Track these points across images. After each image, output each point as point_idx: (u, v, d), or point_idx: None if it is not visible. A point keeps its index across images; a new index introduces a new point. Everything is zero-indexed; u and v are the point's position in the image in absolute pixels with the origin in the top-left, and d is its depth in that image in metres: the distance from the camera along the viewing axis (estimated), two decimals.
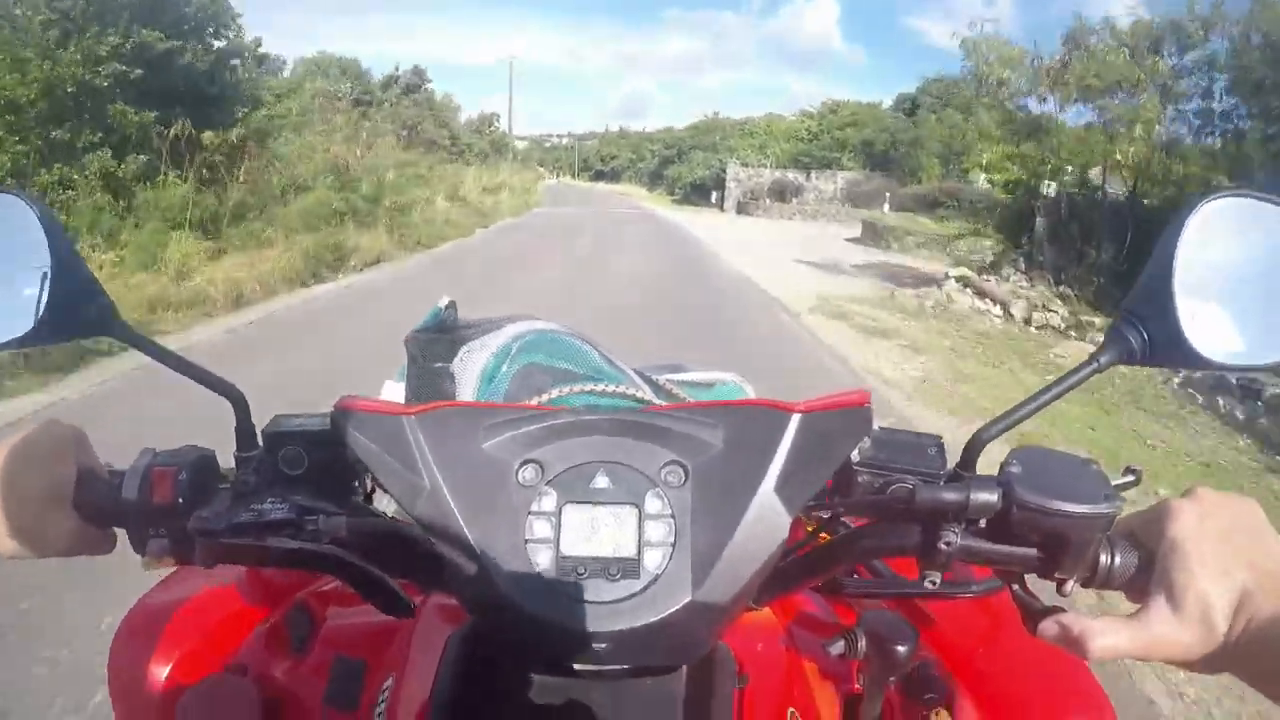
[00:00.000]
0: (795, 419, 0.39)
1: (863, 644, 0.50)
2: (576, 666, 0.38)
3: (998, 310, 7.06)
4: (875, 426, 0.42)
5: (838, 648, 0.51)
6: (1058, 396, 0.41)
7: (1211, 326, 0.41)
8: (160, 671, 0.55)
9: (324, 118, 11.56)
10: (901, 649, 0.49)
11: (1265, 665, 0.34)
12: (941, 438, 0.43)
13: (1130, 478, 0.41)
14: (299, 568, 0.46)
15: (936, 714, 0.52)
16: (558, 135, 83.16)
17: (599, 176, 67.18)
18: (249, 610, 0.59)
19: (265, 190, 7.78)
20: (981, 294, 7.44)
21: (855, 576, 0.57)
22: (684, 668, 0.41)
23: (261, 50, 9.34)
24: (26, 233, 0.44)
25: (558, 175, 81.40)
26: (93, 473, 0.42)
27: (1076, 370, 0.41)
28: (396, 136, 17.52)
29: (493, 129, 37.73)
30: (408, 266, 8.11)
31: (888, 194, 19.78)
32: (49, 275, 0.43)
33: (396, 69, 26.67)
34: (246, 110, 7.84)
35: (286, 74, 16.80)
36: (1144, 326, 0.41)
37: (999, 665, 0.54)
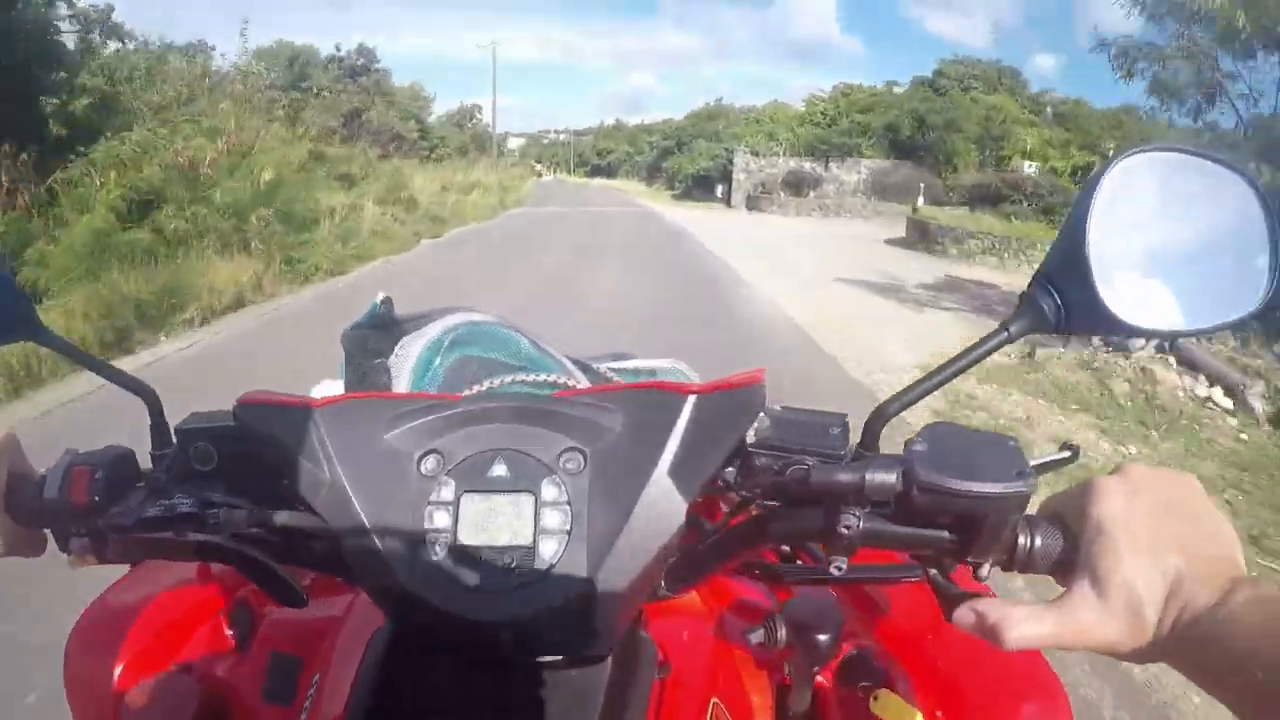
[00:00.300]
0: (690, 400, 0.41)
1: (783, 632, 0.52)
2: (486, 658, 0.40)
3: (1220, 396, 4.12)
4: (776, 406, 0.44)
5: (757, 636, 0.53)
6: (965, 369, 0.42)
7: (1130, 291, 0.41)
8: (113, 672, 0.58)
9: (213, 108, 8.73)
10: (823, 637, 0.51)
11: (1200, 656, 0.33)
12: (845, 416, 0.44)
13: (1066, 453, 0.42)
14: (200, 559, 0.49)
15: (875, 698, 0.53)
16: (556, 131, 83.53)
17: (595, 172, 66.88)
18: (198, 610, 0.62)
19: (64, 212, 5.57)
20: (1182, 363, 4.43)
21: (779, 564, 0.59)
22: (608, 658, 0.43)
23: (115, 21, 7.59)
24: None
25: (554, 172, 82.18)
26: (23, 476, 0.45)
27: (985, 340, 0.41)
28: (327, 129, 14.88)
29: (474, 122, 36.99)
30: (280, 309, 5.76)
31: (922, 185, 18.99)
32: None
33: (338, 49, 23.14)
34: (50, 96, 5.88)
35: (221, 63, 12.74)
36: (1058, 293, 0.41)
37: (948, 651, 0.55)
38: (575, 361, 0.64)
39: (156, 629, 0.61)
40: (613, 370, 0.65)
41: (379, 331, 0.63)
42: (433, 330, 0.61)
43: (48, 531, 0.46)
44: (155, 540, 0.45)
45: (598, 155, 71.45)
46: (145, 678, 0.58)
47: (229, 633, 0.61)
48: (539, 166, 71.15)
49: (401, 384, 0.59)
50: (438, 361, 0.59)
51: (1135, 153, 0.42)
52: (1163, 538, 0.35)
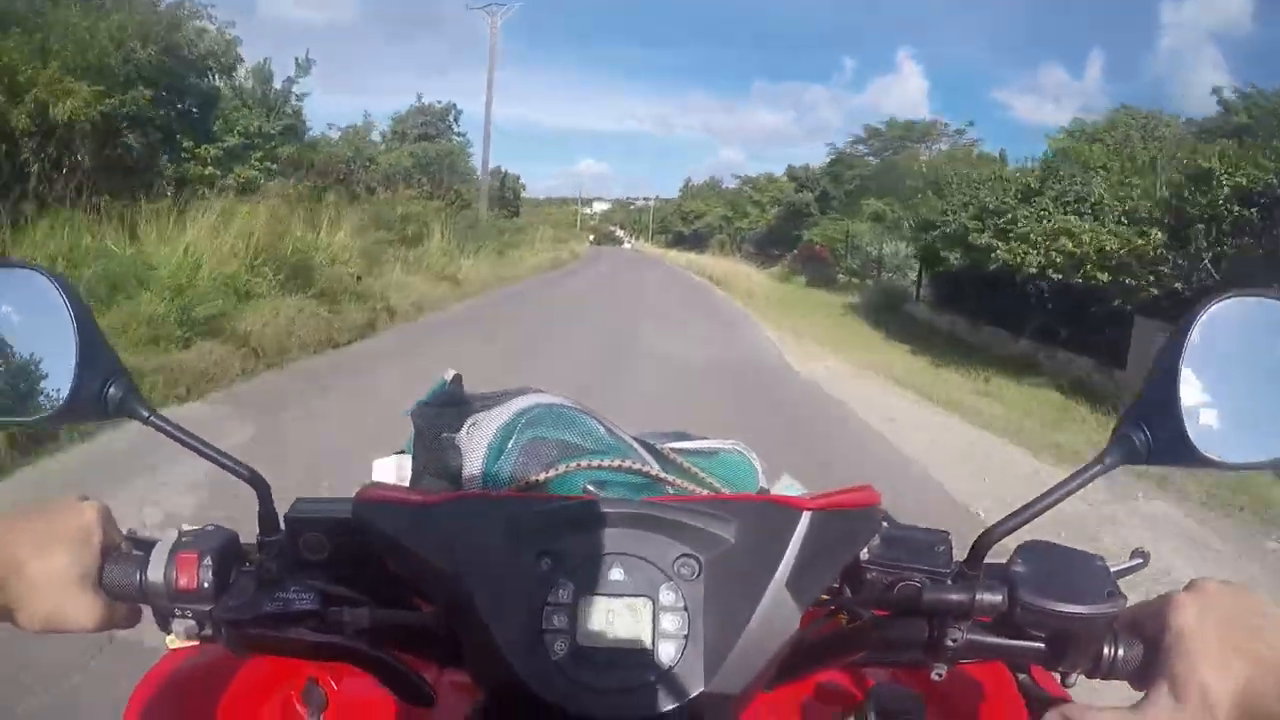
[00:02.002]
0: (805, 517, 0.47)
1: (872, 718, 0.56)
2: None
3: None
4: (884, 524, 0.50)
5: None
6: (1065, 496, 0.49)
7: (1215, 427, 0.48)
8: None
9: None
10: None
11: None
12: (949, 534, 0.51)
13: (1138, 560, 0.49)
14: (322, 659, 0.54)
15: None
16: (643, 198, 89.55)
17: (678, 241, 61.83)
18: (261, 683, 0.67)
19: None
20: None
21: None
22: None
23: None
24: (54, 313, 0.52)
25: (634, 239, 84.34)
26: (119, 551, 0.50)
27: (1085, 469, 0.48)
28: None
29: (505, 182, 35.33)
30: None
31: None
32: (77, 357, 0.51)
33: (419, 98, 24.93)
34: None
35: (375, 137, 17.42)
36: (1149, 429, 0.48)
37: None
38: (641, 442, 0.70)
39: (220, 700, 0.66)
40: (675, 450, 0.71)
41: (449, 409, 0.70)
42: (506, 411, 0.67)
43: (143, 606, 0.50)
44: (273, 638, 0.49)
45: (683, 219, 66.13)
46: None
47: (300, 709, 0.65)
48: (591, 237, 72.44)
49: (474, 463, 0.64)
50: (511, 442, 0.65)
51: (1222, 299, 0.49)
52: (1233, 648, 0.42)
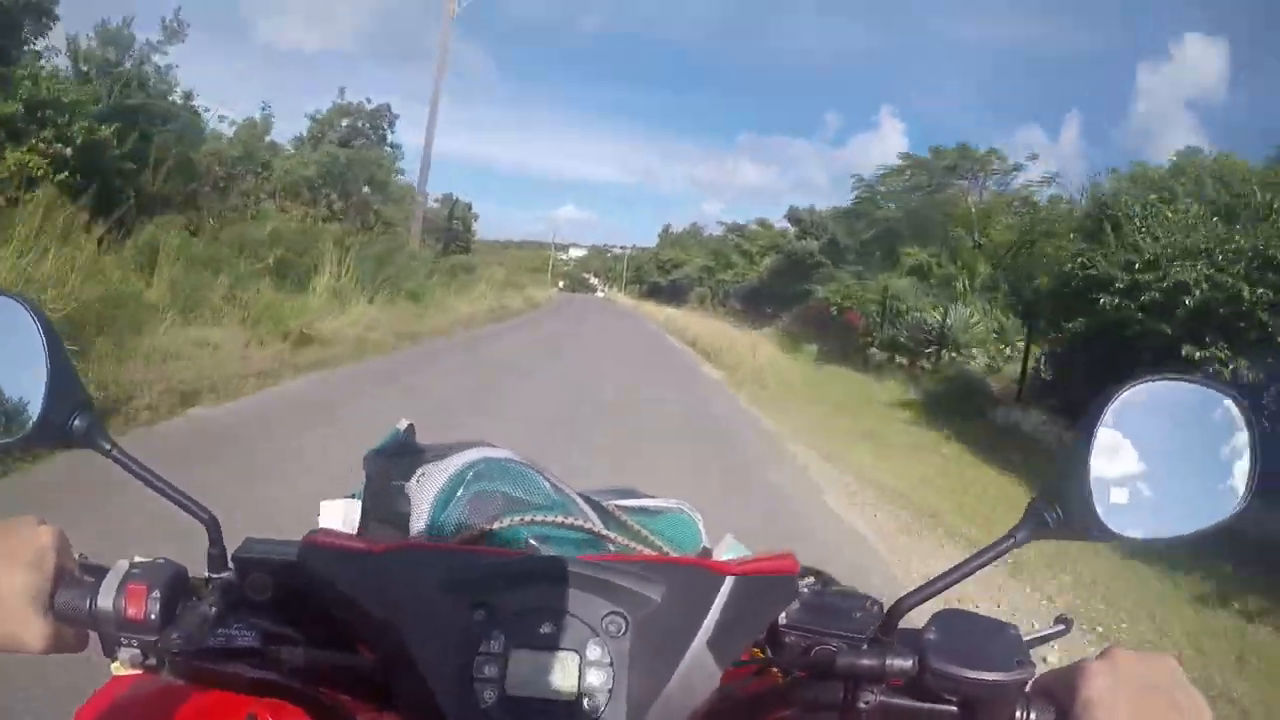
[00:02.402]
0: (728, 581, 0.53)
1: None
2: None
3: None
4: (805, 590, 0.57)
5: None
6: (976, 569, 0.55)
7: (1125, 503, 0.55)
8: None
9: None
10: None
11: None
12: (867, 599, 0.57)
13: (1060, 627, 0.55)
14: (259, 694, 0.59)
15: None
16: (620, 246, 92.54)
17: (655, 293, 59.06)
18: (201, 717, 0.70)
19: None
20: None
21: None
22: None
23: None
24: (27, 339, 0.57)
25: (607, 287, 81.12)
26: (70, 575, 0.54)
27: (996, 544, 0.55)
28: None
29: (458, 217, 31.65)
30: None
31: None
32: (46, 385, 0.56)
33: (342, 94, 20.53)
34: None
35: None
36: (1059, 504, 0.55)
37: None
38: (587, 499, 0.76)
39: None
40: (619, 508, 0.77)
41: (400, 458, 0.75)
42: (455, 463, 0.72)
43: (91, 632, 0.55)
44: (213, 672, 0.55)
45: (660, 270, 62.73)
46: None
47: None
48: (562, 283, 72.91)
49: (421, 512, 0.70)
50: (459, 493, 0.70)
51: (1139, 383, 0.56)
52: (1145, 716, 0.46)
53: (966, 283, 15.55)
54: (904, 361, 15.10)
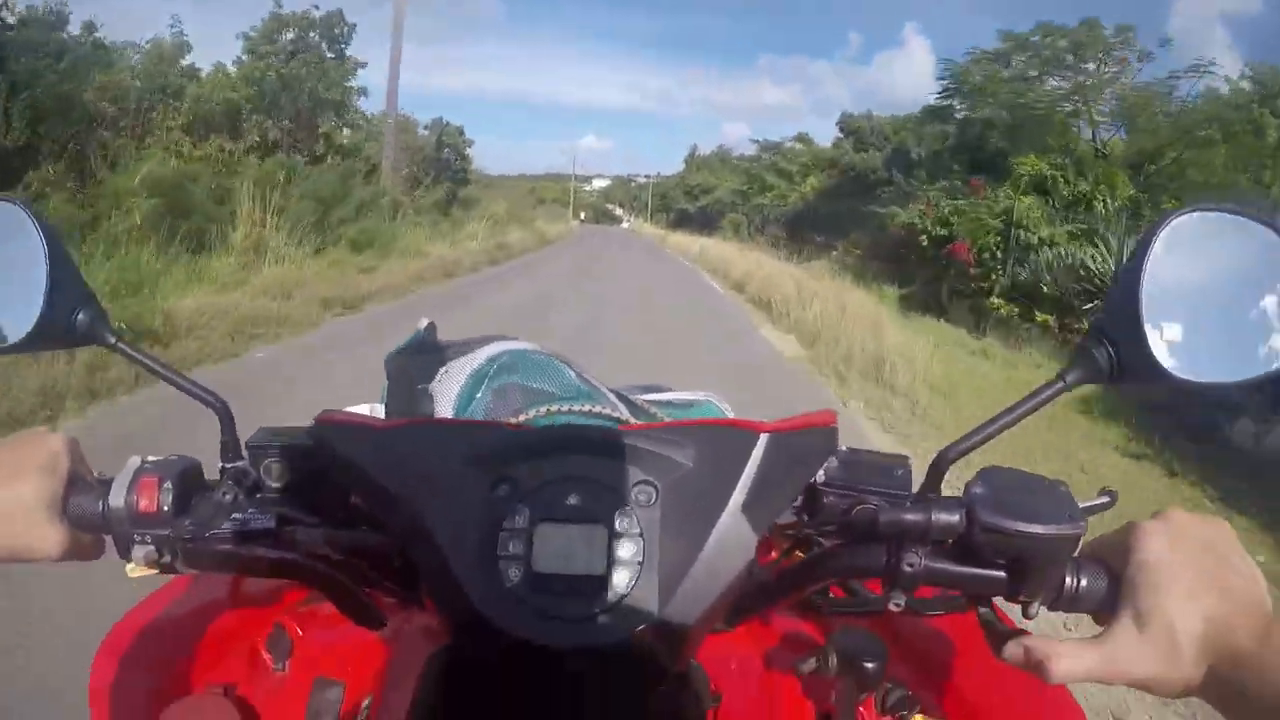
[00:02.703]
0: (763, 439, 0.53)
1: (834, 661, 0.63)
2: (549, 683, 0.52)
3: None
4: (843, 447, 0.58)
5: (809, 665, 0.64)
6: (1023, 416, 0.54)
7: (1180, 344, 0.53)
8: (141, 687, 0.71)
9: None
10: (871, 665, 0.62)
11: (1238, 694, 0.43)
12: (908, 458, 0.58)
13: (1105, 499, 0.53)
14: (276, 576, 0.61)
15: None
16: (645, 176, 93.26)
17: (682, 221, 56.08)
18: (229, 630, 0.76)
19: None
20: None
21: (832, 597, 0.71)
22: (659, 686, 0.55)
23: None
24: (26, 240, 0.59)
25: (632, 218, 78.57)
26: (83, 481, 0.57)
27: (1043, 389, 0.54)
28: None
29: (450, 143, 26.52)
30: None
31: None
32: (47, 285, 0.59)
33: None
34: None
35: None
36: (1112, 345, 0.53)
37: (974, 684, 0.67)
38: (615, 392, 0.77)
39: (191, 648, 0.74)
40: (649, 402, 0.78)
41: (422, 357, 0.76)
42: (478, 358, 0.73)
43: (106, 537, 0.57)
44: (229, 554, 0.56)
45: (687, 196, 59.81)
46: (178, 695, 0.70)
47: (266, 656, 0.73)
48: (583, 215, 73.05)
49: (445, 410, 0.71)
50: (483, 388, 0.71)
51: (1186, 212, 0.54)
52: (1201, 580, 0.45)
53: (1107, 203, 11.30)
54: (1047, 320, 10.83)
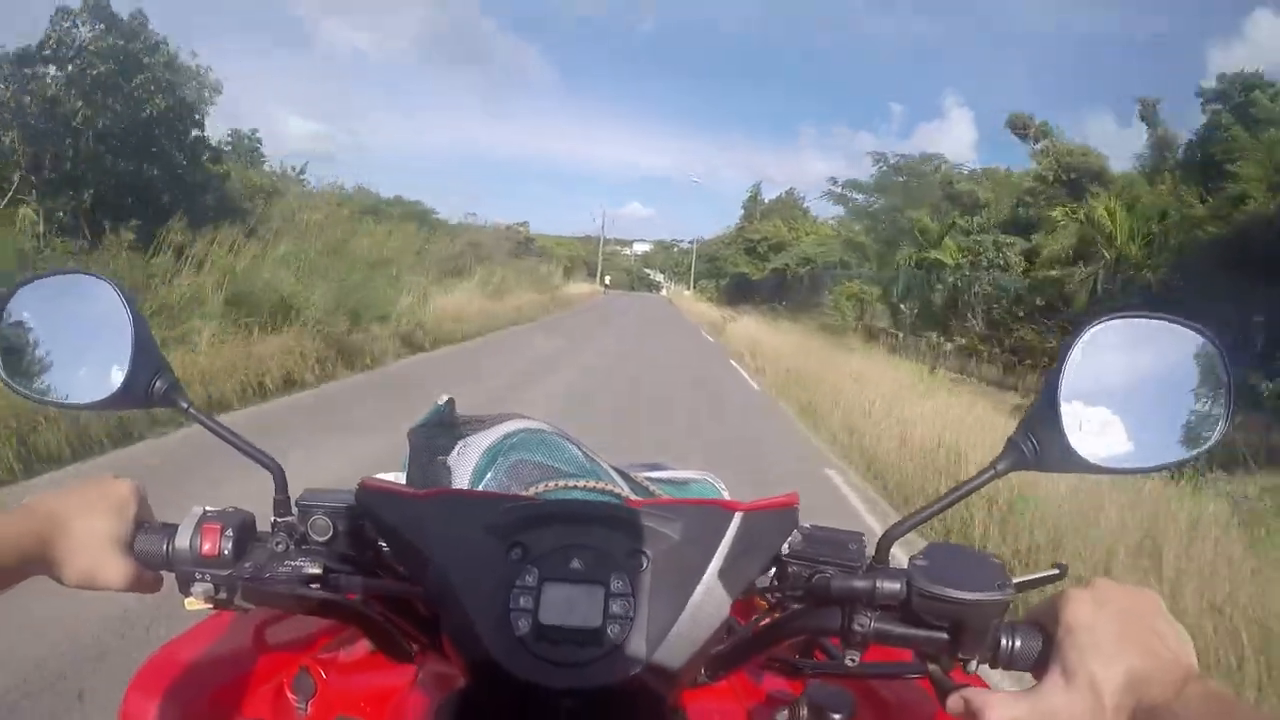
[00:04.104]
0: (737, 516, 0.65)
1: (804, 711, 0.76)
2: None
3: None
4: (806, 525, 0.70)
5: (783, 715, 0.78)
6: (959, 499, 0.68)
7: (1097, 436, 0.64)
8: (171, 718, 0.82)
9: None
10: (837, 716, 0.75)
11: None
12: (862, 535, 0.69)
13: (1054, 571, 0.65)
14: (321, 614, 0.73)
15: None
16: (687, 241, 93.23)
17: (741, 293, 42.60)
18: (256, 672, 0.88)
19: None
20: None
21: (805, 659, 0.83)
22: None
23: None
24: (114, 313, 0.74)
25: (673, 283, 75.60)
26: (148, 524, 0.71)
27: (978, 476, 0.67)
28: None
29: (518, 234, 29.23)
30: None
31: None
32: (132, 353, 0.73)
33: None
34: None
35: None
36: (1035, 438, 0.66)
37: None
38: (617, 470, 0.90)
39: (219, 686, 0.87)
40: (649, 480, 0.90)
41: (442, 430, 0.90)
42: (493, 435, 0.86)
43: (165, 574, 0.71)
44: (282, 594, 0.68)
45: (750, 255, 47.27)
46: None
47: (291, 696, 0.85)
48: (607, 279, 66.43)
49: (462, 481, 0.84)
50: (497, 463, 0.84)
51: (1104, 320, 0.65)
52: (1123, 642, 0.54)
53: None
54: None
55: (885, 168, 30.49)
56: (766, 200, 49.45)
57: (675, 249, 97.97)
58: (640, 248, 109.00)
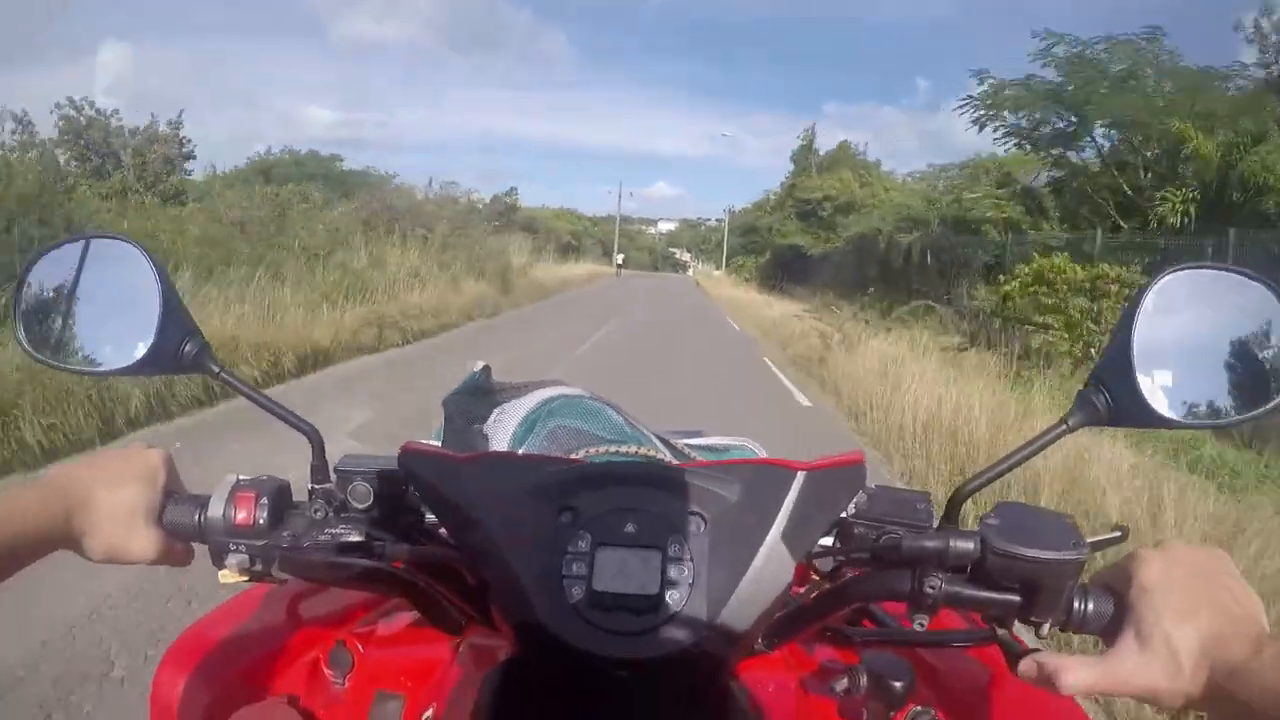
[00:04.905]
0: (800, 476, 0.64)
1: (863, 681, 0.77)
2: (603, 694, 0.62)
3: None
4: (872, 485, 0.70)
5: (841, 684, 0.78)
6: (1029, 456, 0.66)
7: (1170, 389, 0.64)
8: (204, 695, 0.83)
9: None
10: (898, 684, 0.76)
11: (1233, 703, 0.52)
12: (929, 494, 0.69)
13: (1117, 534, 0.64)
14: (364, 584, 0.72)
15: None
16: (715, 219, 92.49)
17: (798, 271, 31.44)
18: (292, 646, 0.89)
19: None
20: None
21: (864, 628, 0.84)
22: (704, 700, 0.65)
23: None
24: (142, 278, 0.74)
25: (700, 262, 73.14)
26: (179, 494, 0.71)
27: (1047, 432, 0.67)
28: None
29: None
30: None
31: None
32: (160, 317, 0.73)
33: None
34: None
35: None
36: (1108, 391, 0.66)
37: (995, 710, 0.79)
38: (658, 436, 0.89)
39: (252, 661, 0.88)
40: (689, 446, 0.89)
41: (477, 397, 0.89)
42: (530, 401, 0.86)
43: (196, 546, 0.71)
44: (323, 563, 0.67)
45: (804, 219, 34.88)
46: (238, 704, 0.83)
47: (327, 671, 0.86)
48: (620, 259, 56.05)
49: (500, 448, 0.84)
50: (535, 430, 0.83)
51: (1175, 270, 0.66)
52: (1197, 601, 0.55)
53: None
54: None
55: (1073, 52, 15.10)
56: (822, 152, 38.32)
57: (703, 226, 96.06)
58: (666, 226, 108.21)
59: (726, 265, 54.37)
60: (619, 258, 56.37)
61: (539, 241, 36.12)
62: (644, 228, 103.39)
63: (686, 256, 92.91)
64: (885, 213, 24.87)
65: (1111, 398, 0.65)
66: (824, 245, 30.57)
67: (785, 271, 33.83)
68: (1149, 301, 0.65)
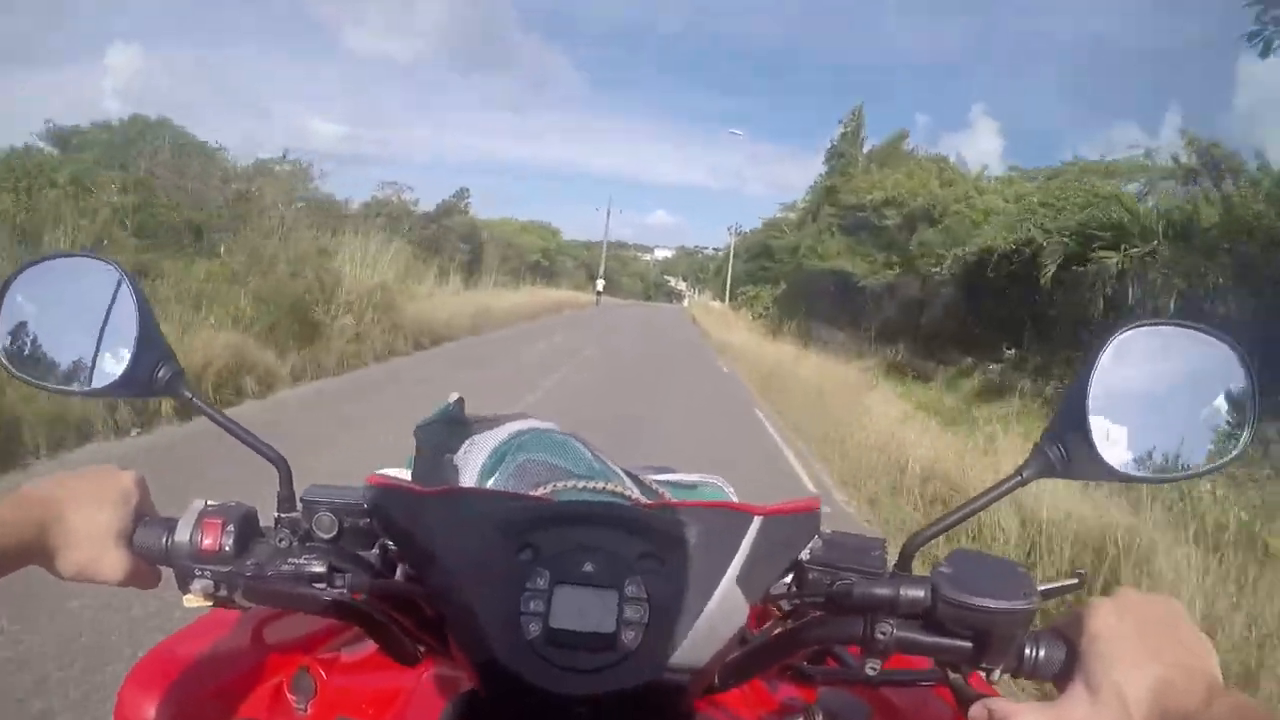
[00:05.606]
0: (756, 521, 0.67)
1: (820, 719, 0.80)
2: None
3: None
4: (827, 530, 0.73)
5: None
6: (984, 507, 0.70)
7: (1124, 443, 0.67)
8: (167, 714, 0.85)
9: None
10: None
11: None
12: (884, 541, 0.72)
13: (1073, 580, 0.68)
14: (325, 614, 0.74)
15: None
16: (713, 248, 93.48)
17: (812, 312, 26.09)
18: (254, 671, 0.92)
19: None
20: None
21: (822, 667, 0.86)
22: None
23: None
24: (121, 299, 0.77)
25: (697, 292, 72.20)
26: (150, 516, 0.74)
27: (1002, 483, 0.70)
28: None
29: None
30: None
31: None
32: (136, 340, 0.76)
33: None
34: None
35: None
36: (1063, 444, 0.69)
37: None
38: (626, 472, 0.93)
39: (219, 682, 0.90)
40: (657, 482, 0.93)
41: (449, 428, 0.94)
42: (500, 434, 0.90)
43: (164, 569, 0.74)
44: (285, 592, 0.70)
45: (843, 231, 26.65)
46: None
47: (290, 697, 0.89)
48: (600, 286, 50.65)
49: (469, 480, 0.88)
50: (504, 463, 0.88)
51: (1131, 327, 0.69)
52: (1148, 650, 0.57)
53: None
54: None
55: None
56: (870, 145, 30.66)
57: (700, 255, 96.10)
58: (662, 254, 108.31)
59: (731, 297, 46.06)
60: (600, 284, 51.52)
61: (489, 260, 30.80)
62: (639, 254, 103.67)
63: (682, 285, 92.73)
64: (1015, 220, 17.53)
65: (1066, 451, 0.68)
66: (887, 273, 23.16)
67: (812, 308, 26.66)
68: (1106, 356, 0.67)
